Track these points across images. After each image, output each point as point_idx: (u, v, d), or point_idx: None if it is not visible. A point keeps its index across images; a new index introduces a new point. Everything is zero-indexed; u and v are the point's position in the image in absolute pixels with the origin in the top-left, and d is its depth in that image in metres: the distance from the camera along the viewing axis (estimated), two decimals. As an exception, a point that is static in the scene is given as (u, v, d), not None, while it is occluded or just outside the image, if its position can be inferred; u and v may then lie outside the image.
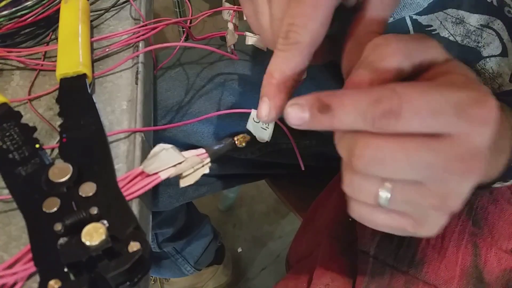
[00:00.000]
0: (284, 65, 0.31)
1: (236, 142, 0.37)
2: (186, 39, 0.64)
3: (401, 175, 0.27)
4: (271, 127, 0.39)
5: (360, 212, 0.30)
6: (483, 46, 0.48)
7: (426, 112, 0.25)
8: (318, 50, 0.34)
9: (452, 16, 0.48)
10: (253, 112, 0.40)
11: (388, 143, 0.26)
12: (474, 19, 0.47)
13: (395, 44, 0.28)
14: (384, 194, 0.28)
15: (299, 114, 0.28)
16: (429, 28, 0.50)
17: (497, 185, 0.40)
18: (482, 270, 0.46)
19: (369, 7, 0.33)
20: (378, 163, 0.26)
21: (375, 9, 0.33)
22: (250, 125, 0.40)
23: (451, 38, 0.49)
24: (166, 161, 0.36)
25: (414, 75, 0.29)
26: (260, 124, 0.40)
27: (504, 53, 0.47)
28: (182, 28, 0.74)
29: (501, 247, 0.47)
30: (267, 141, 0.39)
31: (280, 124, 0.41)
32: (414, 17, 0.50)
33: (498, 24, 0.46)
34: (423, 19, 0.50)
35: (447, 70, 0.28)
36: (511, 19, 0.45)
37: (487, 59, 0.49)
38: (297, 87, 0.33)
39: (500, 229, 0.48)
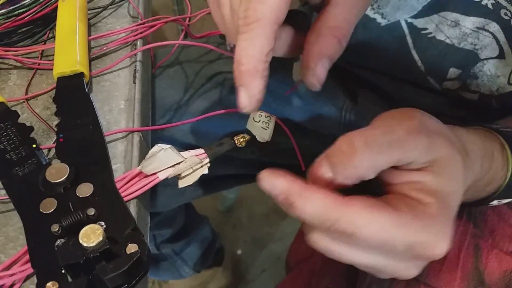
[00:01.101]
0: (250, 48, 0.30)
1: (236, 142, 0.37)
2: (185, 37, 0.64)
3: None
4: (271, 126, 0.39)
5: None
6: (480, 49, 0.48)
7: (377, 245, 0.28)
8: (291, 42, 0.34)
9: (447, 19, 0.48)
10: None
11: (338, 247, 0.29)
12: (469, 22, 0.47)
13: (360, 156, 0.29)
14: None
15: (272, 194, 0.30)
16: (424, 31, 0.50)
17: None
18: (483, 272, 0.46)
19: (334, 2, 0.33)
20: (328, 253, 0.30)
21: (340, 4, 0.33)
22: (250, 125, 0.40)
23: (447, 41, 0.49)
24: (164, 161, 0.36)
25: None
26: (260, 124, 0.39)
27: (501, 55, 0.47)
28: (181, 26, 0.73)
29: (502, 248, 0.46)
30: (267, 141, 0.38)
31: (281, 124, 0.40)
32: (410, 20, 0.50)
33: (494, 27, 0.46)
34: (419, 22, 0.50)
35: (418, 186, 0.30)
36: (507, 22, 0.44)
37: (485, 61, 0.48)
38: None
39: (501, 231, 0.47)
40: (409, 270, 0.30)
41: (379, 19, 0.50)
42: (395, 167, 0.30)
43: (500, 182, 0.39)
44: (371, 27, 0.51)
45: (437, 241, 0.29)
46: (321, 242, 0.29)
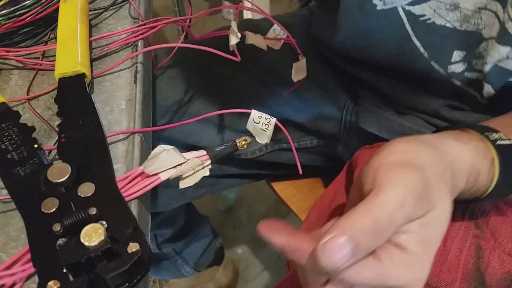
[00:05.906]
0: None
1: (238, 145, 0.37)
2: (186, 38, 0.64)
3: None
4: (270, 128, 0.39)
5: None
6: (484, 28, 0.47)
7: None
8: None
9: (445, 3, 0.47)
10: (253, 112, 0.40)
11: None
12: (470, 3, 0.46)
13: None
14: None
15: None
16: (422, 18, 0.50)
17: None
18: (484, 272, 0.46)
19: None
20: None
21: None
22: (250, 126, 0.40)
23: (448, 25, 0.48)
24: (166, 162, 0.36)
25: None
26: (260, 125, 0.39)
27: (500, 34, 0.47)
28: (182, 27, 0.74)
29: (505, 249, 0.46)
30: (266, 143, 0.38)
31: (280, 126, 0.41)
32: (407, 8, 0.50)
33: (496, 6, 0.46)
34: (416, 9, 0.49)
35: (405, 237, 0.31)
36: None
37: (489, 40, 0.48)
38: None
39: (503, 232, 0.47)
40: None
41: (375, 1, 0.50)
42: None
43: (479, 195, 0.41)
44: (368, 9, 0.51)
45: (413, 284, 0.32)
46: None
